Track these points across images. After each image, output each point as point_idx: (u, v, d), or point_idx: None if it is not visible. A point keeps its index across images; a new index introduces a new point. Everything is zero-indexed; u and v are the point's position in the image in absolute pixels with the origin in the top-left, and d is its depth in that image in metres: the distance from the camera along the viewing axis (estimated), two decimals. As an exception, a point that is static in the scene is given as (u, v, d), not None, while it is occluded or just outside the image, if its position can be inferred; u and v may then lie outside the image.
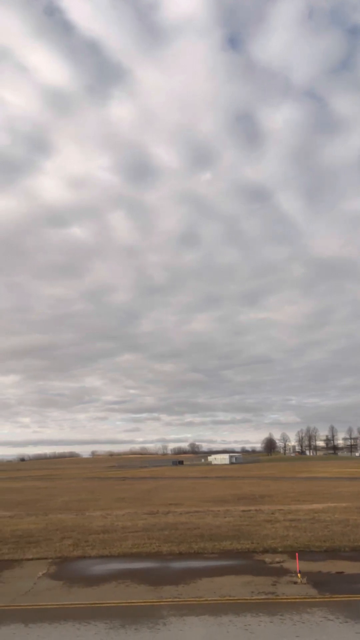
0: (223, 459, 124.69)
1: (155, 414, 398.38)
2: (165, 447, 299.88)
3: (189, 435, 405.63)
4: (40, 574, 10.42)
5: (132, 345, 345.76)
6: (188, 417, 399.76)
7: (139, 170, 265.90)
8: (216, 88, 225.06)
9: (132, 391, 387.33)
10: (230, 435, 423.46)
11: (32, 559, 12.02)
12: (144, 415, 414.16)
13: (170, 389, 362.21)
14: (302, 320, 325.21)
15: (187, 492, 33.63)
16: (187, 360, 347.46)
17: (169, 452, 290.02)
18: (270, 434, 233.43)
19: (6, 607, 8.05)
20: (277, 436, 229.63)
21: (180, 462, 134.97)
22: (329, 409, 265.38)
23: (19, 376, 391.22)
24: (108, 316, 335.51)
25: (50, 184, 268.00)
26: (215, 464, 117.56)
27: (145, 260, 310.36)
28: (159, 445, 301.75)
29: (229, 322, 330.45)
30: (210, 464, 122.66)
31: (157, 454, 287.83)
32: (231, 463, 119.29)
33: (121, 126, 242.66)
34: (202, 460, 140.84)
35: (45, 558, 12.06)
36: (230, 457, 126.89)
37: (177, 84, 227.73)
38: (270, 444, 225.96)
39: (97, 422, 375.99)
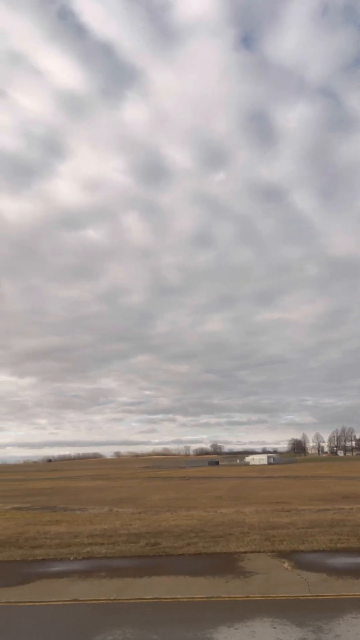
0: (261, 459, 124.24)
1: (171, 415, 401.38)
2: (187, 448, 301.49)
3: (204, 436, 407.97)
4: (287, 566, 10.57)
5: (146, 347, 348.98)
6: (203, 418, 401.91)
7: (153, 171, 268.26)
8: (229, 88, 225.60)
9: (147, 392, 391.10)
10: (245, 436, 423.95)
11: (245, 552, 12.17)
12: (160, 416, 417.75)
13: (185, 390, 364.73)
14: (317, 319, 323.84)
15: (278, 491, 33.60)
16: (202, 361, 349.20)
17: (191, 452, 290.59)
18: (303, 434, 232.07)
19: (332, 597, 8.20)
20: (297, 436, 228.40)
21: (216, 463, 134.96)
22: (346, 409, 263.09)
23: (35, 378, 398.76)
24: (123, 317, 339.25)
25: (65, 187, 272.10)
26: (254, 464, 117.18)
27: (160, 261, 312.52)
28: (181, 446, 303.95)
29: (244, 323, 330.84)
30: (248, 464, 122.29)
31: (179, 454, 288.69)
32: (269, 463, 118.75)
33: (135, 128, 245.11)
34: (238, 460, 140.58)
35: (259, 551, 12.19)
36: (268, 457, 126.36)
37: (190, 85, 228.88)
38: (299, 445, 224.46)
39: (113, 423, 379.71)
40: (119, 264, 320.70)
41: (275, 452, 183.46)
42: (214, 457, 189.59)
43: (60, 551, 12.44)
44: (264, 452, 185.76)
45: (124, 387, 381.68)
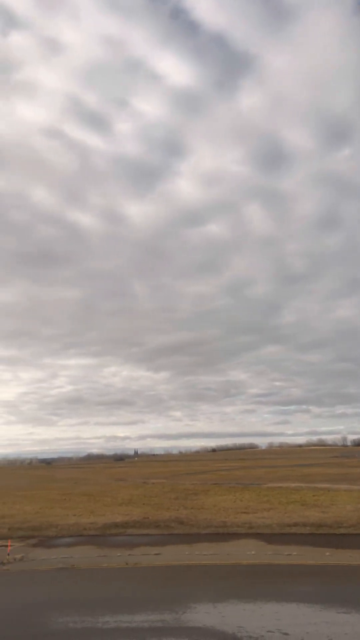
0: None
1: (304, 406, 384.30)
2: (344, 439, 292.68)
3: (341, 427, 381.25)
4: None
5: (275, 337, 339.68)
6: (339, 409, 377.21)
7: (272, 157, 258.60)
8: (350, 57, 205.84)
9: (277, 383, 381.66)
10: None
11: None
12: (292, 407, 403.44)
13: (318, 380, 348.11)
14: None
15: None
16: (334, 350, 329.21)
17: (349, 443, 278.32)
18: None
19: None
20: None
21: None
22: None
23: (169, 372, 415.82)
24: (249, 309, 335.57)
25: (185, 185, 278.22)
26: None
27: (284, 249, 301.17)
28: (338, 436, 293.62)
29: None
30: None
31: (335, 445, 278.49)
32: None
33: (251, 116, 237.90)
34: None
35: None
36: None
37: (307, 61, 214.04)
38: None
39: (245, 414, 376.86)
40: (242, 255, 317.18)
41: None
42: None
43: None
44: None
45: (254, 378, 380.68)
